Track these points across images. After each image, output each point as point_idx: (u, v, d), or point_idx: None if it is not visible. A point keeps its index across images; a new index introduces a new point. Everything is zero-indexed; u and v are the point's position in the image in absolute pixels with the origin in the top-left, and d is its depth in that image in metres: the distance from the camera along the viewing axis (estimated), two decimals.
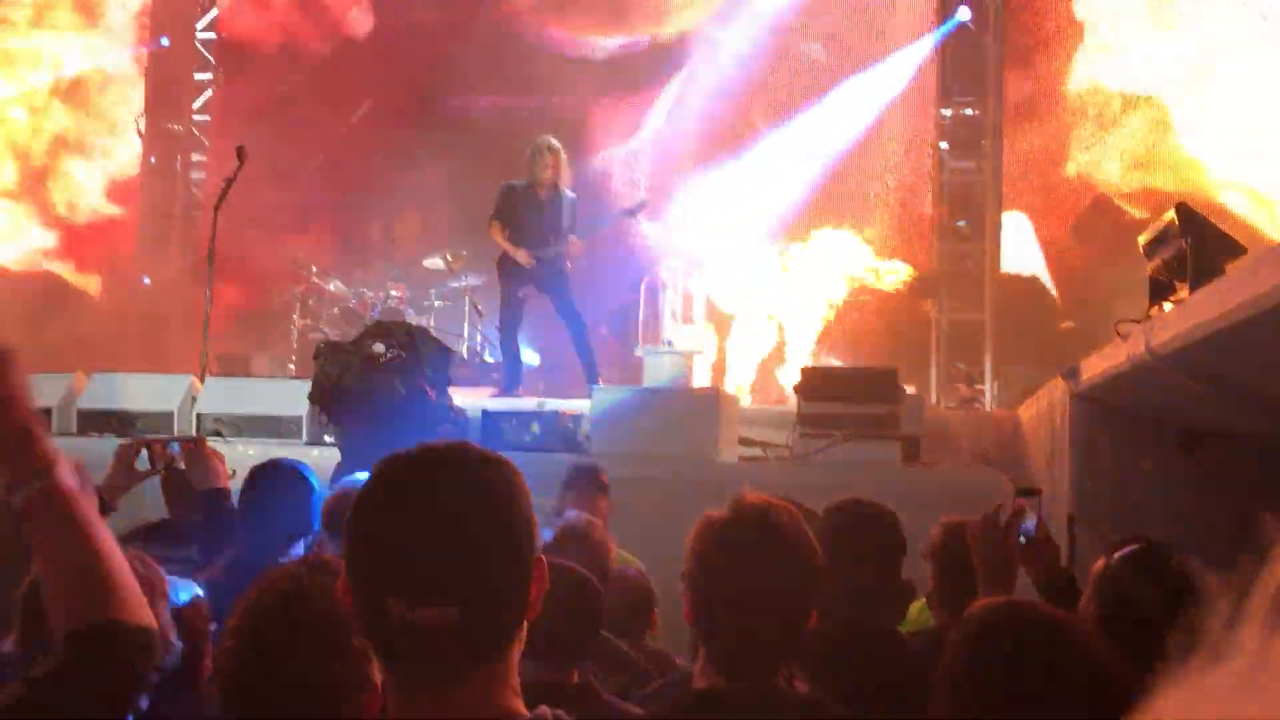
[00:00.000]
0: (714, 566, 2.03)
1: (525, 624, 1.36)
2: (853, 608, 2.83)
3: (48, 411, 6.92)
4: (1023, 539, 2.91)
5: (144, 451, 3.60)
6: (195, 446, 3.69)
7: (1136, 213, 10.77)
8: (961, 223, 11.21)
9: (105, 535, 1.56)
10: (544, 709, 1.35)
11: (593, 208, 8.44)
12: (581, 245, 8.15)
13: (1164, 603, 2.01)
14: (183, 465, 3.64)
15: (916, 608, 4.02)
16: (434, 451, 1.37)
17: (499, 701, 1.33)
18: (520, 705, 1.35)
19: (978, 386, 10.50)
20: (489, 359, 10.89)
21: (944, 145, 11.42)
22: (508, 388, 8.31)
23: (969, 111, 11.43)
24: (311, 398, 6.21)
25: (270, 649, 1.80)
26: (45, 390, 7.10)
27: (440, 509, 1.31)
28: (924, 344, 11.08)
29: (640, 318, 8.22)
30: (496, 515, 1.33)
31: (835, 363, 10.65)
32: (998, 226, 11.28)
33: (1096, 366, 5.00)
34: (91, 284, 13.13)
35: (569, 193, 8.29)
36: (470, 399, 7.58)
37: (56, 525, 1.52)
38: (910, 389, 7.64)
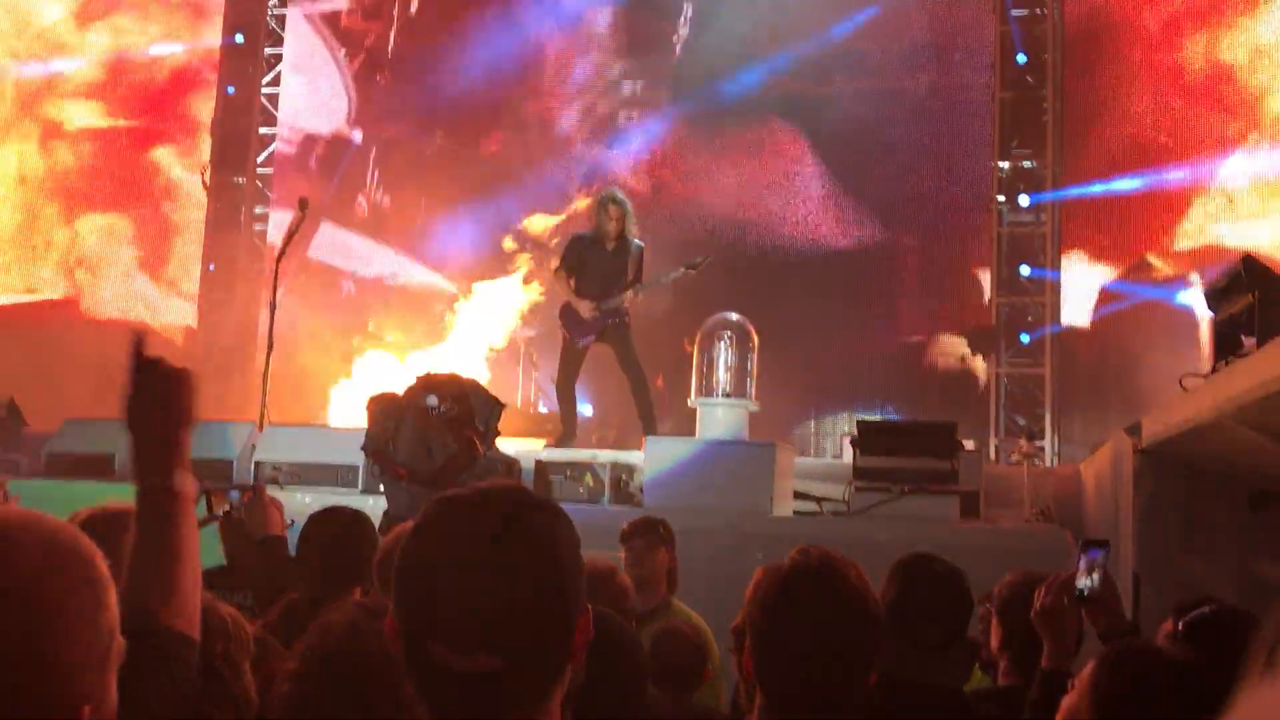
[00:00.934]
0: (777, 617, 2.00)
1: (569, 670, 1.34)
2: (918, 667, 2.77)
3: (230, 463, 7.29)
4: (1085, 592, 2.87)
5: (203, 499, 3.66)
6: (254, 495, 3.75)
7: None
8: (1027, 273, 11.11)
9: (193, 553, 1.68)
10: None
11: (656, 260, 8.48)
12: (638, 301, 8.20)
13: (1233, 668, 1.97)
14: (241, 513, 3.70)
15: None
16: (483, 495, 1.35)
17: None
18: None
19: (1038, 442, 10.34)
20: (543, 409, 10.94)
21: (1001, 198, 11.36)
22: (564, 439, 8.32)
23: (1028, 164, 11.38)
24: (365, 449, 6.26)
25: (327, 695, 1.80)
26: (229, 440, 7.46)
27: (486, 554, 1.29)
28: (982, 398, 10.96)
29: (694, 368, 8.20)
30: (543, 562, 1.31)
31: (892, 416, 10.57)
32: (1058, 279, 11.16)
33: (1161, 421, 4.90)
34: (177, 334, 13.49)
35: (637, 241, 8.35)
36: (524, 449, 7.60)
37: (155, 524, 1.65)
38: (969, 443, 7.53)
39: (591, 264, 8.27)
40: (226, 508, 3.75)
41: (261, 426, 7.78)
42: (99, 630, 1.05)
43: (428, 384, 6.47)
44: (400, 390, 6.39)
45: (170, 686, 1.57)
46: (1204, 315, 4.52)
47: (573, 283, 8.31)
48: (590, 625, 1.35)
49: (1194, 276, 10.49)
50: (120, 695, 1.49)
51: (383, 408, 6.35)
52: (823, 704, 1.99)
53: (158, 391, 1.71)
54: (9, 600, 1.00)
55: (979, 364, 11.24)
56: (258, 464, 7.31)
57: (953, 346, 11.34)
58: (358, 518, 3.88)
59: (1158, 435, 4.97)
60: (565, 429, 8.35)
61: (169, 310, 13.88)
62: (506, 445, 7.17)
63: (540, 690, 1.31)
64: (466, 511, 1.34)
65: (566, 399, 8.40)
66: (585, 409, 10.24)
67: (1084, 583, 2.92)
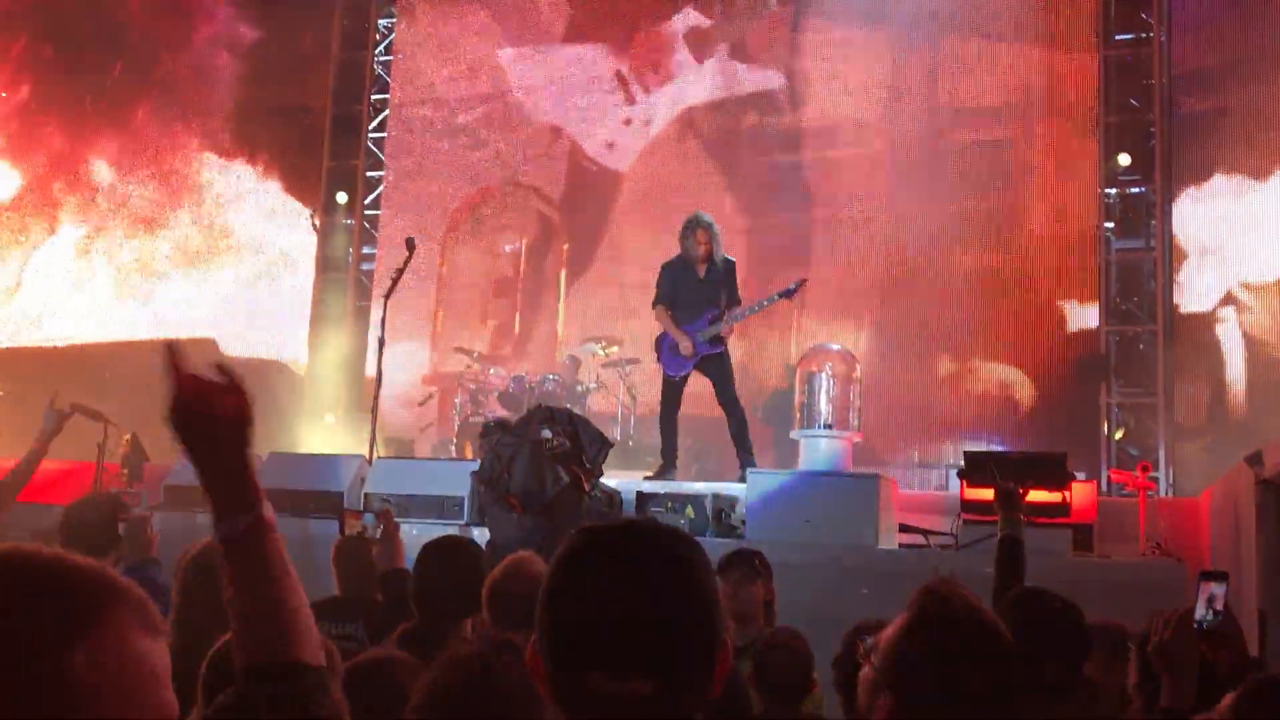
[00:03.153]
0: (928, 666, 1.92)
1: (709, 700, 1.37)
2: (1036, 709, 2.69)
3: (340, 494, 7.46)
4: (1204, 625, 2.79)
5: (338, 520, 3.84)
6: (387, 525, 3.90)
7: None
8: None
9: (294, 576, 1.59)
10: None
11: (751, 288, 8.45)
12: (730, 330, 8.15)
13: None
14: (375, 535, 3.83)
15: None
16: (628, 525, 1.40)
17: None
18: None
19: (1151, 473, 10.04)
20: (645, 443, 10.97)
21: (1109, 225, 11.12)
22: (664, 470, 8.29)
23: (1136, 190, 11.12)
24: (480, 476, 6.34)
25: None
26: (339, 472, 7.66)
27: (639, 581, 1.32)
28: (1094, 427, 10.68)
29: (796, 400, 8.15)
30: (690, 589, 1.34)
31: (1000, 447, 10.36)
32: (1169, 306, 10.86)
33: None
34: (296, 366, 13.93)
35: (727, 258, 8.28)
36: (624, 481, 7.63)
37: (253, 560, 1.56)
38: (1080, 474, 7.34)
39: (684, 292, 8.24)
40: (361, 529, 3.90)
41: (371, 459, 7.96)
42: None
43: (542, 416, 6.55)
44: (513, 421, 6.47)
45: (305, 716, 1.56)
46: None
47: (670, 314, 8.29)
48: (730, 655, 1.38)
49: None
50: None
51: (499, 437, 6.44)
52: None
53: (204, 412, 1.54)
54: None
55: (1020, 392, 10.97)
56: (366, 495, 7.47)
57: (997, 373, 11.10)
58: (471, 548, 3.95)
59: None
60: (666, 461, 8.29)
61: (283, 347, 14.30)
62: (610, 478, 7.22)
63: (687, 716, 1.34)
64: (615, 541, 1.37)
65: (669, 432, 8.33)
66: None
67: (1203, 615, 2.84)
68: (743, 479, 7.93)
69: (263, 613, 1.56)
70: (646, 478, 8.18)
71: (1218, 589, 2.83)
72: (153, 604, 1.06)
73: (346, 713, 2.30)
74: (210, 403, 1.53)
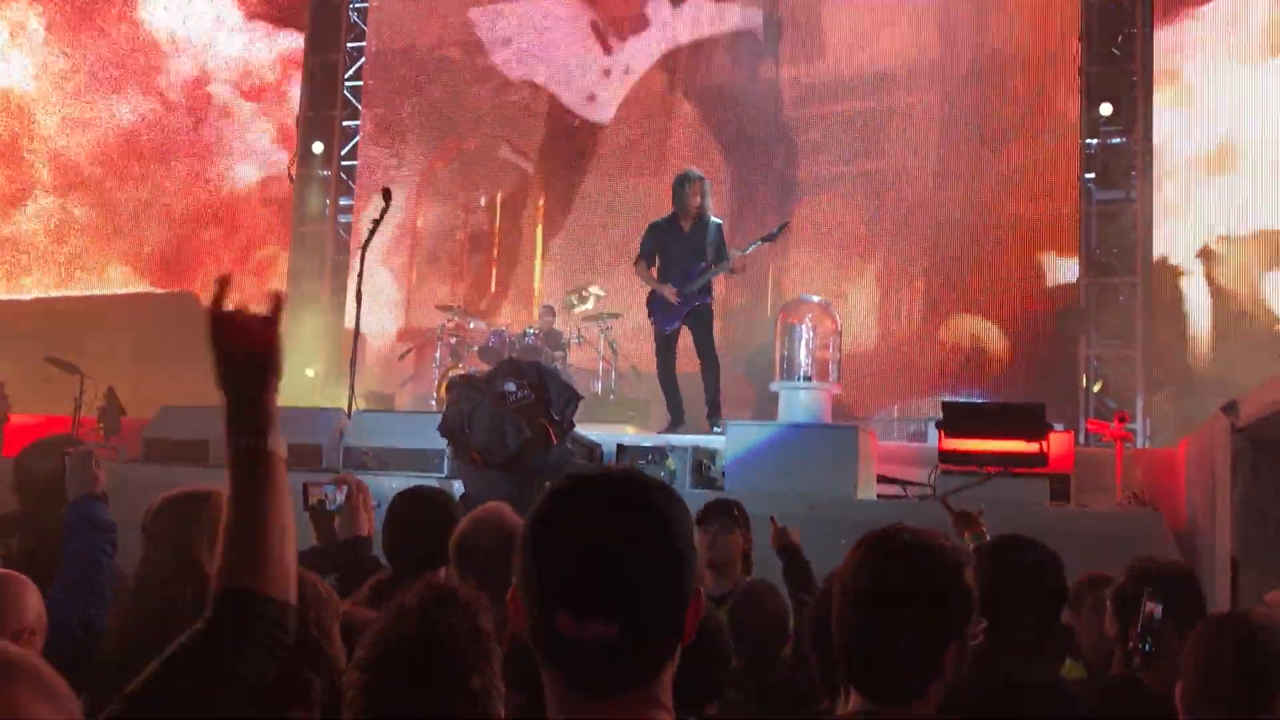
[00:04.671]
0: (866, 589, 1.99)
1: (680, 646, 1.39)
2: (1011, 658, 2.70)
3: (320, 447, 7.42)
4: (1148, 649, 2.77)
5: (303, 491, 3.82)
6: (348, 497, 3.89)
7: None
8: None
9: (284, 512, 1.65)
10: None
11: (732, 236, 8.48)
12: (743, 260, 8.20)
13: None
14: (334, 506, 3.81)
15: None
16: (604, 475, 1.42)
17: (652, 716, 1.36)
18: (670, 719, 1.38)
19: (1129, 424, 10.10)
20: (626, 396, 10.98)
21: (1089, 176, 11.10)
22: (673, 425, 8.39)
23: (1116, 141, 11.09)
24: (441, 430, 6.33)
25: (397, 689, 1.82)
26: (318, 425, 7.62)
27: (612, 530, 1.35)
28: (1072, 379, 10.73)
29: (776, 353, 8.15)
30: (663, 539, 1.37)
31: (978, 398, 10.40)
32: (1148, 258, 10.87)
33: (1260, 399, 4.75)
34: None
35: (715, 219, 8.38)
36: (604, 434, 7.63)
37: (258, 481, 1.63)
38: (1058, 425, 7.38)
39: (670, 247, 8.33)
40: (320, 498, 3.88)
41: (350, 412, 7.93)
42: None
43: (508, 370, 6.52)
44: (480, 375, 6.44)
45: (265, 653, 1.60)
46: None
47: (654, 271, 8.36)
48: (702, 605, 1.40)
49: None
50: (216, 662, 1.54)
51: (462, 391, 6.41)
52: (907, 680, 1.96)
53: (242, 343, 1.67)
54: None
55: (998, 344, 11.02)
56: (347, 449, 7.45)
57: (976, 326, 11.13)
58: (441, 499, 3.94)
59: (1257, 414, 4.82)
60: (674, 416, 8.44)
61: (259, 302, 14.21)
62: (591, 431, 7.21)
63: (654, 662, 1.37)
64: (589, 489, 1.40)
65: (670, 388, 8.46)
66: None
67: (1145, 645, 2.81)
68: (713, 431, 8.01)
69: (246, 540, 1.62)
70: (660, 432, 8.25)
71: (1156, 612, 2.80)
72: (55, 677, 1.08)
73: (341, 655, 2.31)
74: (247, 332, 1.66)
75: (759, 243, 8.23)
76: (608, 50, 12.90)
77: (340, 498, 3.98)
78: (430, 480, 6.90)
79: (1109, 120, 11.03)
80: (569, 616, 1.32)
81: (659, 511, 1.37)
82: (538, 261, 12.96)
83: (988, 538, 3.83)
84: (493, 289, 12.98)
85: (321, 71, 14.06)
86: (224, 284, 1.68)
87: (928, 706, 1.97)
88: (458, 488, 6.31)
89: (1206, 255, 10.85)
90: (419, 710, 1.80)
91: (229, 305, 1.68)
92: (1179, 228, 10.96)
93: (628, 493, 1.38)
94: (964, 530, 4.02)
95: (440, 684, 1.80)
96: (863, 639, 2.00)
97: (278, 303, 1.72)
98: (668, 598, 1.36)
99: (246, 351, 1.68)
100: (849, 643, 2.01)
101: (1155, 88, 10.96)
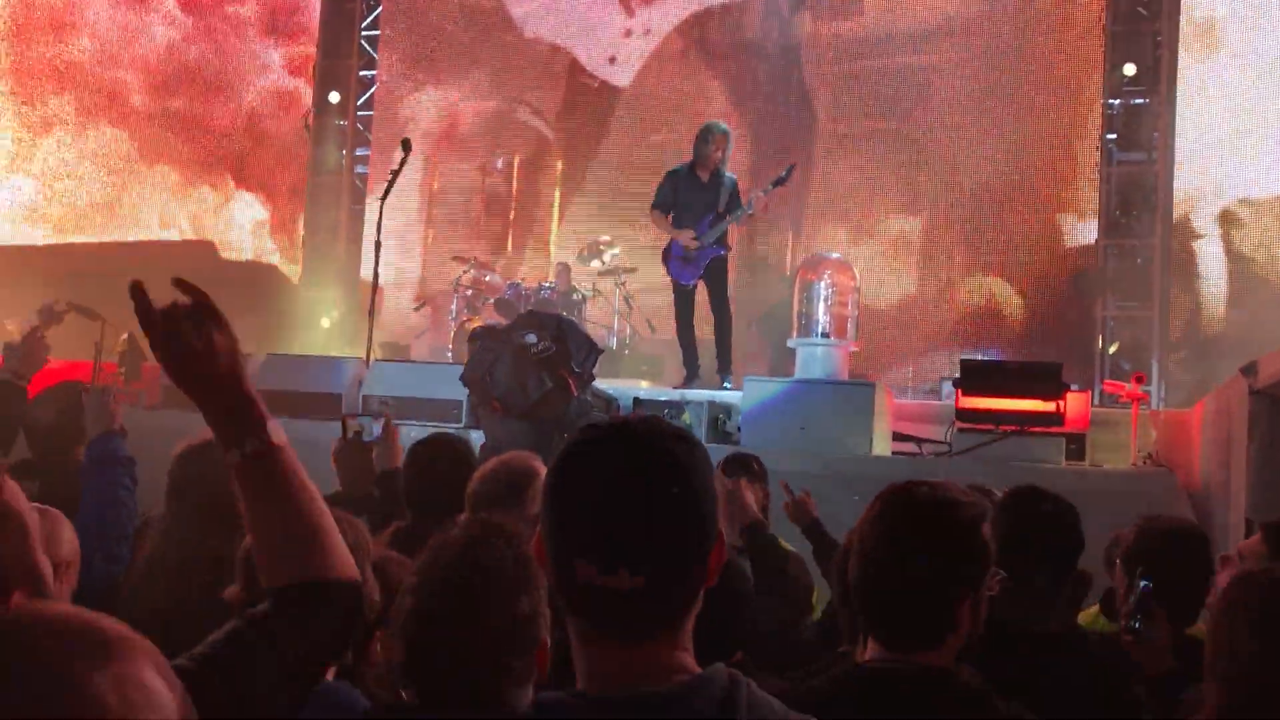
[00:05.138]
0: (890, 544, 2.02)
1: (702, 591, 1.40)
2: (1026, 607, 2.73)
3: (339, 396, 7.47)
4: (1137, 627, 2.79)
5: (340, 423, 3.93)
6: (386, 425, 3.98)
7: None
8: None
9: (314, 493, 1.57)
10: (719, 666, 1.37)
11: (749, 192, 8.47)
12: (765, 201, 8.18)
13: None
14: (370, 437, 3.89)
15: (1090, 615, 3.85)
16: (624, 424, 1.42)
17: (676, 661, 1.37)
18: (694, 663, 1.38)
19: (1145, 384, 10.10)
20: (641, 351, 11.01)
21: (1111, 136, 11.00)
22: (689, 380, 8.43)
23: (1139, 101, 10.98)
24: (463, 380, 6.38)
25: (446, 610, 1.86)
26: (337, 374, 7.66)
27: (634, 479, 1.35)
28: (1089, 341, 10.71)
29: (794, 309, 8.15)
30: (686, 488, 1.37)
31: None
32: (1168, 220, 10.80)
33: (1278, 361, 4.75)
34: (293, 272, 13.93)
35: (730, 175, 8.38)
36: (620, 388, 7.66)
37: (267, 484, 1.54)
38: (1075, 385, 7.38)
39: (684, 197, 8.33)
40: (359, 429, 3.98)
41: (369, 362, 7.97)
42: None
43: (529, 321, 6.55)
44: (500, 326, 6.47)
45: (339, 638, 1.58)
46: None
47: (668, 219, 8.38)
48: (724, 550, 1.41)
49: None
50: (276, 649, 1.48)
51: (483, 342, 6.45)
52: (922, 631, 2.00)
53: (191, 345, 1.50)
54: None
55: (1015, 304, 10.99)
56: (365, 398, 7.50)
57: (994, 286, 11.10)
58: (460, 446, 3.98)
59: (1275, 376, 4.82)
60: (689, 371, 8.47)
61: (278, 251, 14.26)
62: (608, 385, 7.24)
63: (677, 608, 1.38)
64: (611, 438, 1.40)
65: (688, 342, 8.49)
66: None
67: (1135, 622, 2.83)
68: (723, 385, 8.06)
69: (278, 536, 1.55)
70: (676, 387, 8.28)
71: (1146, 590, 2.82)
72: (165, 661, 1.04)
73: (377, 590, 2.35)
74: (190, 338, 1.49)
75: (771, 187, 8.22)
76: (630, 12, 12.79)
77: (377, 429, 4.07)
78: (450, 429, 6.95)
79: (1132, 80, 10.92)
80: (591, 566, 1.33)
81: (678, 459, 1.37)
82: (554, 222, 12.93)
83: None
84: (509, 249, 12.96)
85: (338, 19, 13.98)
86: (138, 292, 1.50)
87: (943, 657, 2.01)
88: (476, 438, 6.36)
89: (1227, 218, 10.78)
90: (469, 632, 1.84)
91: (155, 312, 1.50)
92: (1200, 190, 10.87)
93: (647, 441, 1.38)
94: None
95: (488, 606, 1.84)
96: (879, 592, 2.03)
97: (192, 294, 1.53)
98: (690, 545, 1.36)
99: (197, 357, 1.52)
100: (866, 595, 2.05)
101: (1180, 49, 10.83)
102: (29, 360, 3.62)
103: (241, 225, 14.34)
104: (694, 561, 1.37)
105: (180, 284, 1.53)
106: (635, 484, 1.35)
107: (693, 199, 8.30)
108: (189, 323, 1.51)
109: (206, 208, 14.29)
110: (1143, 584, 2.82)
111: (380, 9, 13.92)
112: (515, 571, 1.87)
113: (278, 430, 1.56)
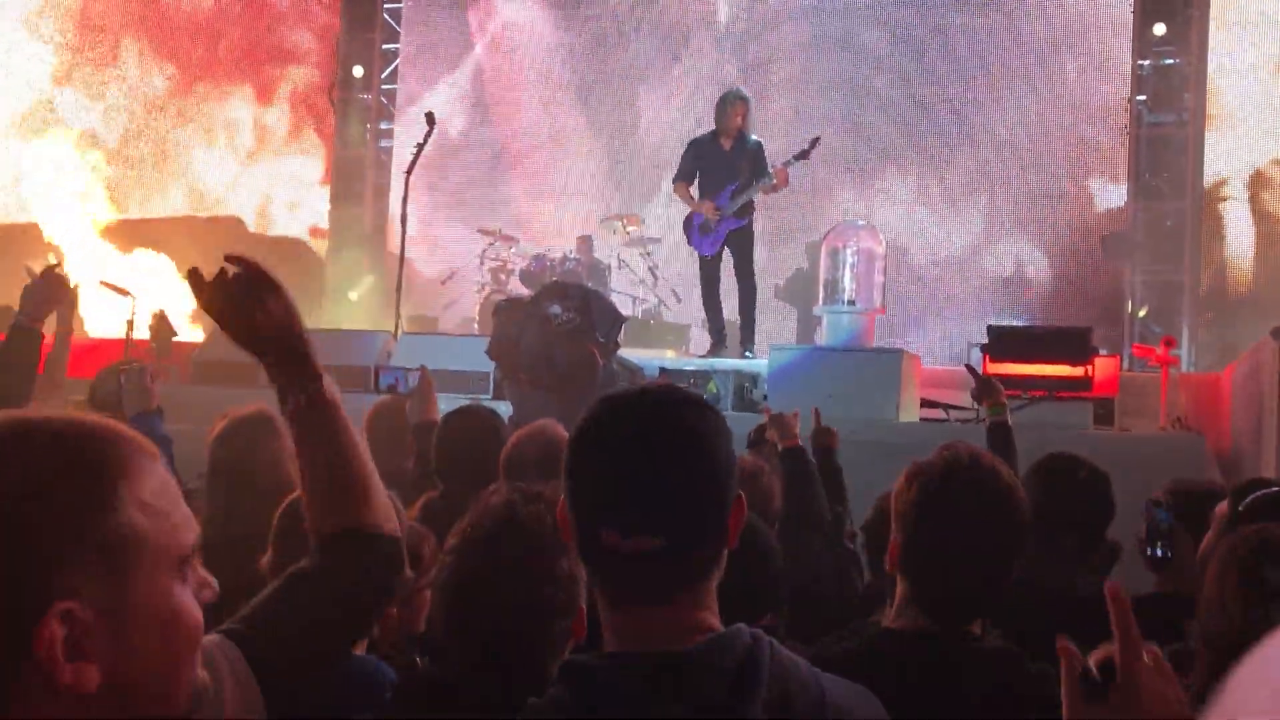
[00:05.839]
0: (929, 512, 2.04)
1: (725, 552, 1.43)
2: (1057, 571, 2.75)
3: (368, 369, 7.48)
4: (1161, 556, 2.82)
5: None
6: (421, 378, 4.05)
7: None
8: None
9: (363, 447, 1.64)
10: (741, 626, 1.39)
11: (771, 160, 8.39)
12: (785, 174, 8.14)
13: None
14: (406, 389, 3.95)
15: None
16: (642, 392, 1.46)
17: (699, 620, 1.40)
18: (718, 623, 1.41)
19: (1175, 348, 10.02)
20: (667, 320, 11.01)
21: (1141, 98, 10.87)
22: (715, 348, 8.43)
23: (1169, 61, 10.84)
24: (489, 353, 6.41)
25: (486, 569, 1.90)
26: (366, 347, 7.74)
27: (651, 447, 1.39)
28: (1119, 305, 10.64)
29: (820, 276, 8.12)
30: (702, 453, 1.40)
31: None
32: (1199, 183, 10.69)
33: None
34: (321, 246, 14.01)
35: (754, 138, 8.33)
36: (645, 358, 7.67)
37: (319, 432, 1.61)
38: (1103, 350, 7.34)
39: (709, 165, 8.29)
40: (393, 382, 4.05)
41: (397, 335, 8.02)
42: (91, 527, 1.00)
43: (553, 292, 6.57)
44: (525, 298, 6.49)
45: (381, 590, 1.63)
46: None
47: (692, 189, 8.35)
48: (744, 511, 1.43)
49: None
50: (334, 595, 1.55)
51: (508, 314, 6.48)
52: (968, 599, 2.03)
53: (251, 303, 1.60)
54: None
55: (1044, 268, 10.90)
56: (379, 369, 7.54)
57: (1023, 250, 11.01)
58: (491, 417, 4.01)
59: None
60: (715, 339, 8.47)
61: (302, 226, 14.32)
62: (633, 355, 7.26)
63: (699, 570, 1.41)
64: (628, 407, 1.43)
65: (714, 311, 8.48)
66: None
67: (1156, 549, 2.87)
68: (744, 355, 8.06)
69: (330, 483, 1.61)
70: (702, 355, 8.28)
71: (1166, 520, 2.84)
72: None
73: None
74: (246, 305, 1.60)
75: (793, 160, 8.17)
76: None
77: (413, 380, 4.15)
78: (478, 401, 6.99)
79: (1162, 41, 10.78)
80: (613, 530, 1.36)
81: (694, 424, 1.40)
82: (575, 189, 12.91)
83: (1008, 416, 3.88)
84: (533, 220, 12.96)
85: None
86: (194, 276, 1.60)
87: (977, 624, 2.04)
88: (503, 409, 6.40)
89: (1259, 180, 10.65)
90: (510, 593, 1.88)
91: (215, 289, 1.60)
92: (1231, 152, 10.74)
93: (665, 408, 1.42)
94: (985, 400, 4.04)
95: (529, 566, 1.88)
96: (927, 562, 2.04)
97: (248, 267, 1.62)
98: (709, 508, 1.39)
99: (257, 315, 1.60)
100: (913, 565, 2.05)
101: (1211, 8, 10.67)
102: (46, 301, 3.48)
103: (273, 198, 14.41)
104: (712, 523, 1.40)
105: (231, 259, 1.62)
106: (653, 448, 1.38)
107: (715, 167, 8.26)
108: (242, 291, 1.60)
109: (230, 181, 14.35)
110: (1162, 515, 2.86)
111: None
112: (555, 535, 1.91)
113: (332, 387, 1.64)
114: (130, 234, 13.53)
